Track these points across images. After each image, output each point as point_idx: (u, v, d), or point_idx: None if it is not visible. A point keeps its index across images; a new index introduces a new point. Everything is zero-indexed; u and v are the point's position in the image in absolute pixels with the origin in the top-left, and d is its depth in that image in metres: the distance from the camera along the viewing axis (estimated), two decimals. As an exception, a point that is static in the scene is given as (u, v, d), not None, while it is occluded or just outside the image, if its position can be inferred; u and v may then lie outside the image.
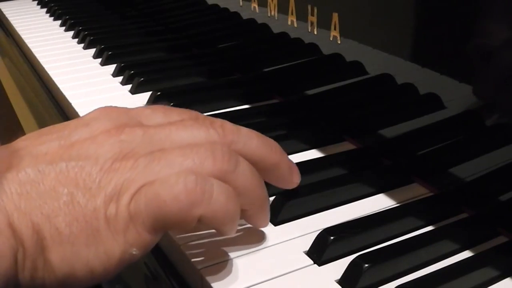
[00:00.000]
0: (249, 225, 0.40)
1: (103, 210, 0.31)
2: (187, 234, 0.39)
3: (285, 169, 0.39)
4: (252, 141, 0.37)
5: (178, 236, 0.39)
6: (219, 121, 0.37)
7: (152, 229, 0.32)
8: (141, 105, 0.61)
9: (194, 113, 0.39)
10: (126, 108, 0.37)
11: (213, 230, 0.39)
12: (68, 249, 0.31)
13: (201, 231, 0.39)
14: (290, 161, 0.39)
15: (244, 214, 0.36)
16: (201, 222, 0.33)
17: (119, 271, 0.32)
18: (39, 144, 0.33)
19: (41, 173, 0.31)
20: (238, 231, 0.40)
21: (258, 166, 0.37)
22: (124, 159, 0.32)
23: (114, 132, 0.34)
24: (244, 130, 0.37)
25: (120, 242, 0.31)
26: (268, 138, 0.38)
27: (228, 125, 0.37)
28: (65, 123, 0.36)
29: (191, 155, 0.33)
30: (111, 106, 0.37)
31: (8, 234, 0.30)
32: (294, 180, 0.40)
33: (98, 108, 0.37)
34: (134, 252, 0.32)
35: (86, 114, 0.36)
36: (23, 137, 0.35)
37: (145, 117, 0.37)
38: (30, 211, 0.30)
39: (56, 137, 0.34)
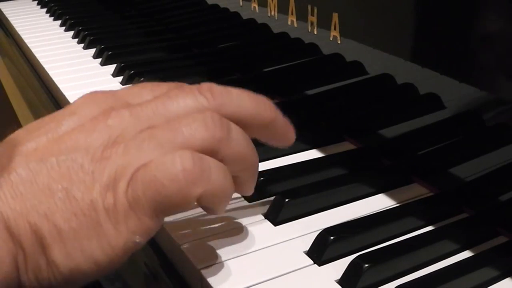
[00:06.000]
0: (249, 225, 0.40)
1: (101, 201, 0.30)
2: (187, 234, 0.39)
3: (281, 125, 0.37)
4: (243, 101, 0.35)
5: (178, 236, 0.39)
6: (206, 84, 0.35)
7: (154, 213, 0.31)
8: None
9: (182, 85, 0.37)
10: (112, 90, 0.37)
11: (214, 229, 0.39)
12: (70, 245, 0.30)
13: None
14: (285, 116, 0.38)
15: (234, 181, 0.35)
16: (199, 201, 0.32)
17: (125, 260, 0.32)
18: (27, 140, 0.33)
19: (32, 172, 0.31)
20: (238, 230, 0.40)
21: (253, 125, 0.36)
22: (115, 145, 0.32)
23: (101, 118, 0.33)
24: (234, 91, 0.36)
25: (122, 231, 0.31)
26: (259, 95, 0.37)
27: (216, 87, 0.35)
28: (52, 114, 0.35)
29: (180, 128, 0.32)
30: (96, 91, 0.36)
31: (5, 238, 0.30)
32: (290, 136, 0.39)
33: (84, 94, 0.36)
34: (137, 240, 0.31)
35: (73, 102, 0.35)
36: (11, 136, 0.34)
37: (132, 96, 0.36)
38: (26, 212, 0.30)
39: (44, 131, 0.33)
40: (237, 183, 0.36)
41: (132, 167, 0.31)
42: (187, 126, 0.32)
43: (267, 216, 0.41)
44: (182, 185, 0.31)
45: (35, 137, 0.33)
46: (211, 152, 0.33)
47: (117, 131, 0.32)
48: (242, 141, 0.34)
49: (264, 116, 0.36)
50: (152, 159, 0.31)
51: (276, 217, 0.41)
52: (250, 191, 0.38)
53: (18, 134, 0.34)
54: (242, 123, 0.35)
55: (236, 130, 0.34)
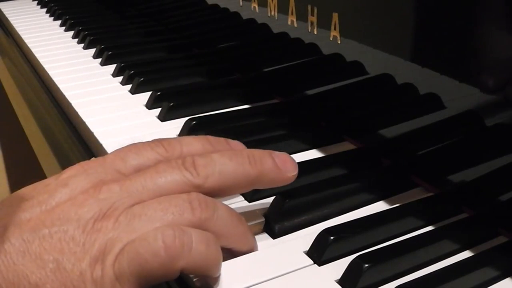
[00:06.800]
0: (249, 225, 0.40)
1: (89, 273, 0.32)
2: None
3: (271, 173, 0.38)
4: (226, 166, 0.37)
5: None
6: (189, 158, 0.37)
7: (138, 285, 0.32)
8: (140, 107, 0.61)
9: (165, 142, 0.39)
10: (101, 158, 0.38)
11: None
12: None
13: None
14: (277, 158, 0.39)
15: (228, 251, 0.37)
16: (185, 272, 0.33)
17: None
18: (21, 211, 0.34)
19: (25, 242, 0.32)
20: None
21: (241, 184, 0.37)
22: (105, 218, 0.33)
23: (92, 192, 0.34)
24: (215, 157, 0.37)
25: None
26: (241, 152, 0.38)
27: (199, 161, 0.37)
28: (45, 182, 0.36)
29: (170, 208, 0.34)
30: (85, 162, 0.38)
31: None
32: (287, 176, 0.39)
33: (75, 165, 0.38)
34: None
35: (64, 172, 0.37)
36: (4, 201, 0.35)
37: (119, 162, 0.38)
38: (18, 282, 0.31)
39: (37, 202, 0.34)
40: (233, 252, 0.37)
41: (121, 242, 0.32)
42: (176, 207, 0.34)
43: (267, 216, 0.41)
44: (164, 260, 0.32)
45: (29, 208, 0.34)
46: (198, 228, 0.34)
47: (108, 204, 0.34)
48: (227, 218, 0.36)
49: (249, 173, 0.38)
50: (139, 235, 0.33)
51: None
52: (249, 252, 0.38)
53: (12, 202, 0.35)
54: (231, 186, 0.37)
55: (221, 209, 0.36)
